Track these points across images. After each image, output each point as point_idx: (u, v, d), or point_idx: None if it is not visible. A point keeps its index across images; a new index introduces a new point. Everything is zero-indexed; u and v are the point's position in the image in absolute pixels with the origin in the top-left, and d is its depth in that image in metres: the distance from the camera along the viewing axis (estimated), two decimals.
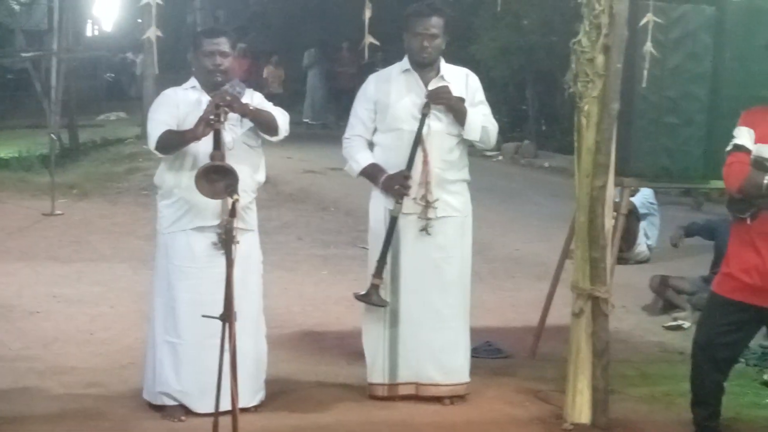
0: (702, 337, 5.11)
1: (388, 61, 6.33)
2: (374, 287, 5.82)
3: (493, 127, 5.96)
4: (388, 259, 5.84)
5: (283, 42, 26.94)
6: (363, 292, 5.86)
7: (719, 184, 5.34)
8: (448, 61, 6.02)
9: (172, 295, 5.56)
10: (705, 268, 8.36)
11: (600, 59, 5.39)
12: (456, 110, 5.80)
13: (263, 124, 5.60)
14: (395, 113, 5.86)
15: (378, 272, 5.82)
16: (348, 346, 6.90)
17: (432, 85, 5.83)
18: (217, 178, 4.85)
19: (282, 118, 5.66)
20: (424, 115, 5.76)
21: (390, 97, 5.88)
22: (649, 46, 5.42)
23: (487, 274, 9.15)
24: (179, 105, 5.58)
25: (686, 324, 7.91)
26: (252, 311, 5.61)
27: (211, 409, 4.70)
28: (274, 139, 5.68)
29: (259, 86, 21.69)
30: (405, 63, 5.94)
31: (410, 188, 5.75)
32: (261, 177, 5.76)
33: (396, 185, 5.76)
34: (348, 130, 6.04)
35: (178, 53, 21.88)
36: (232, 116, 5.45)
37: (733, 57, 6.03)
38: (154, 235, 5.77)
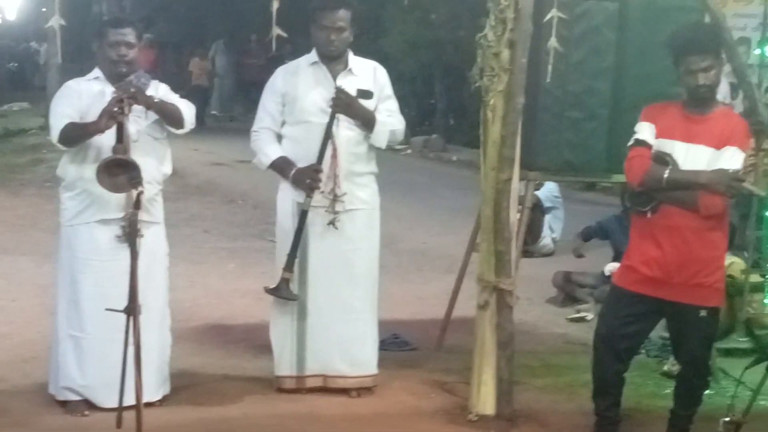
0: (603, 329, 5.18)
1: (296, 54, 6.31)
2: (284, 281, 5.80)
3: (400, 125, 6.00)
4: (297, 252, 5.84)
5: (191, 33, 26.68)
6: (273, 286, 5.85)
7: (621, 177, 5.40)
8: (356, 54, 6.02)
9: (75, 289, 5.47)
10: (607, 262, 8.50)
11: (505, 54, 5.44)
12: (361, 119, 5.82)
13: (168, 116, 5.54)
14: (303, 106, 5.84)
15: (288, 266, 5.80)
16: (255, 339, 6.87)
17: (340, 79, 5.83)
18: (119, 172, 4.80)
19: (188, 110, 5.61)
20: (333, 115, 5.76)
21: (298, 89, 5.87)
22: (553, 42, 5.47)
23: (394, 267, 9.18)
24: (82, 96, 5.48)
25: (589, 316, 8.02)
26: (157, 304, 5.56)
27: (115, 404, 4.65)
28: (179, 131, 5.63)
29: (184, 79, 21.61)
30: (313, 55, 5.93)
31: (321, 182, 5.76)
32: (167, 169, 5.69)
33: (307, 179, 5.75)
34: (256, 122, 6.01)
35: (83, 43, 21.51)
36: (137, 108, 5.37)
37: (635, 53, 6.09)
38: (58, 228, 5.67)
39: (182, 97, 5.71)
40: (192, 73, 22.36)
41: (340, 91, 5.74)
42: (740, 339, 7.19)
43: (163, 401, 5.67)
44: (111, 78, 5.48)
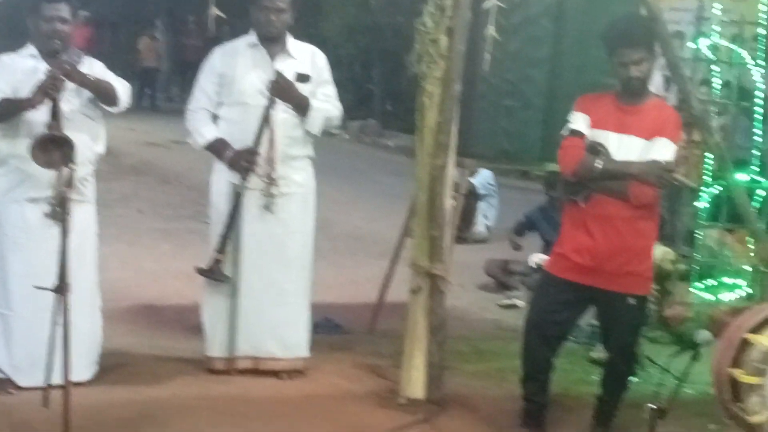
0: (533, 315, 5.22)
1: (234, 35, 6.26)
2: (216, 262, 5.79)
3: (336, 111, 6.00)
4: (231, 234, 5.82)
5: (129, 12, 26.31)
6: (205, 267, 5.83)
7: (555, 166, 5.44)
8: (295, 37, 5.99)
9: (4, 267, 5.42)
10: (538, 250, 8.57)
11: (443, 41, 5.45)
12: (297, 106, 5.81)
13: (103, 94, 5.49)
14: (241, 88, 5.81)
15: (221, 247, 5.79)
16: (187, 321, 6.84)
17: (279, 62, 5.81)
18: (53, 148, 4.74)
19: (122, 89, 5.56)
20: (272, 101, 5.74)
21: (236, 71, 5.84)
22: (491, 30, 5.50)
23: (328, 251, 9.18)
24: (16, 72, 5.40)
25: (520, 303, 8.09)
26: (87, 284, 5.51)
27: (41, 383, 4.60)
28: (114, 109, 5.58)
29: (131, 60, 21.31)
30: (252, 37, 5.90)
31: (257, 165, 5.74)
32: (100, 148, 5.64)
33: (243, 162, 5.73)
34: (192, 102, 5.97)
35: (17, 18, 21.16)
36: (71, 86, 5.32)
37: (572, 43, 6.12)
38: None
39: (130, 78, 5.66)
40: (140, 53, 21.93)
41: (278, 76, 5.72)
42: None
43: (92, 381, 5.62)
44: (44, 54, 5.40)
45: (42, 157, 4.77)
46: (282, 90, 5.74)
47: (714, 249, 7.09)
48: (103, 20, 24.11)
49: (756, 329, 3.54)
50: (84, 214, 5.45)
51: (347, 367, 6.29)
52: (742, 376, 3.47)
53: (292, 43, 5.93)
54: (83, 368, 5.48)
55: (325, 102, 5.93)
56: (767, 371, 3.46)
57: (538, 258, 8.56)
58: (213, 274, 5.82)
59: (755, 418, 3.46)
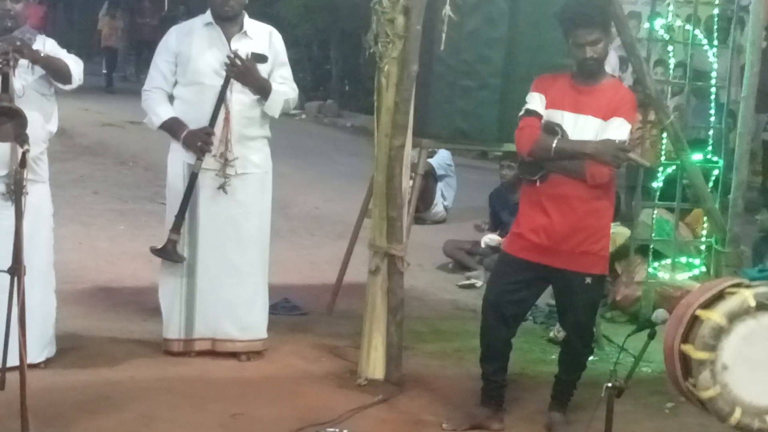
0: (491, 295, 5.23)
1: (190, 14, 6.23)
2: (171, 242, 5.77)
3: (294, 93, 5.99)
4: (187, 215, 5.79)
5: None
6: (159, 247, 5.80)
7: (512, 147, 5.45)
8: (252, 17, 5.96)
9: None
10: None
11: (400, 20, 5.45)
12: (258, 88, 5.80)
13: (55, 71, 5.44)
14: (197, 67, 5.78)
15: (176, 227, 5.76)
16: (144, 303, 6.81)
17: (235, 41, 5.79)
18: (5, 120, 4.68)
19: (75, 66, 5.50)
20: (228, 79, 5.72)
21: (192, 50, 5.80)
22: (447, 9, 5.50)
23: (286, 232, 9.17)
24: None
25: (478, 283, 8.13)
26: (41, 265, 5.47)
27: None
28: (67, 87, 5.53)
29: (91, 39, 21.00)
30: (207, 16, 5.86)
31: (213, 145, 5.72)
32: (53, 127, 5.58)
33: (198, 142, 5.71)
34: (148, 82, 5.95)
35: None
36: (23, 63, 5.26)
37: (528, 23, 6.11)
38: None
39: (90, 57, 5.61)
40: (101, 33, 21.49)
41: (237, 58, 5.69)
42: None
43: (47, 363, 5.60)
44: None
45: None
46: (239, 72, 5.71)
47: (669, 228, 7.14)
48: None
49: (706, 305, 3.57)
50: (38, 194, 5.39)
51: (306, 347, 6.29)
52: (694, 352, 3.51)
53: (248, 22, 5.90)
54: (38, 350, 5.47)
55: (282, 84, 5.91)
56: (718, 347, 3.49)
57: (489, 238, 8.63)
58: (168, 254, 5.79)
59: (706, 394, 3.50)
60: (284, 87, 5.91)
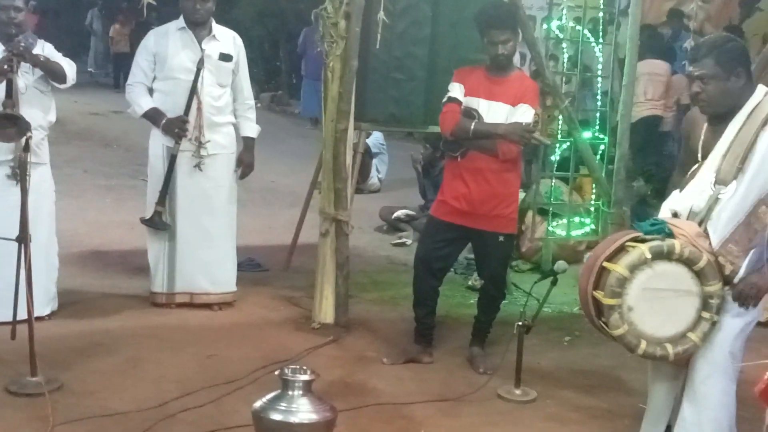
0: (422, 252, 5.24)
1: (161, 20, 6.12)
2: (157, 213, 5.73)
3: (251, 99, 6.04)
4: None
5: (69, 1, 25.44)
6: (147, 217, 5.74)
7: (436, 128, 5.44)
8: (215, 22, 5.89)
9: None
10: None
11: (342, 24, 5.42)
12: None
13: (52, 72, 5.33)
14: (172, 65, 5.72)
15: (161, 200, 5.73)
16: (129, 263, 6.72)
17: (205, 43, 5.73)
18: (8, 125, 4.58)
19: (69, 68, 5.40)
20: (199, 69, 5.67)
21: (168, 50, 5.75)
22: (381, 14, 5.46)
23: (248, 202, 9.08)
24: None
25: (408, 242, 8.14)
26: (44, 233, 5.37)
27: (9, 318, 4.48)
28: (62, 86, 5.42)
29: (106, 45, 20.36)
30: (180, 22, 5.79)
31: (188, 131, 5.65)
32: (52, 117, 5.48)
33: (176, 128, 5.65)
34: (130, 77, 5.87)
35: None
36: (25, 65, 5.16)
37: (447, 25, 6.08)
38: None
39: (78, 57, 5.50)
40: (112, 39, 20.50)
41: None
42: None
43: (51, 316, 5.53)
44: (1, 39, 5.22)
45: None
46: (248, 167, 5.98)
47: (564, 193, 7.19)
48: (47, 8, 23.21)
49: (610, 258, 3.60)
50: (40, 175, 5.28)
51: (268, 298, 6.26)
52: (603, 299, 3.54)
53: (216, 27, 5.84)
54: (43, 305, 5.39)
55: (246, 100, 5.98)
56: (623, 293, 3.53)
57: (401, 213, 8.66)
58: (155, 223, 5.74)
59: (617, 332, 3.55)
60: (250, 113, 6.01)
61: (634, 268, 3.52)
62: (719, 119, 3.67)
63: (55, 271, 5.60)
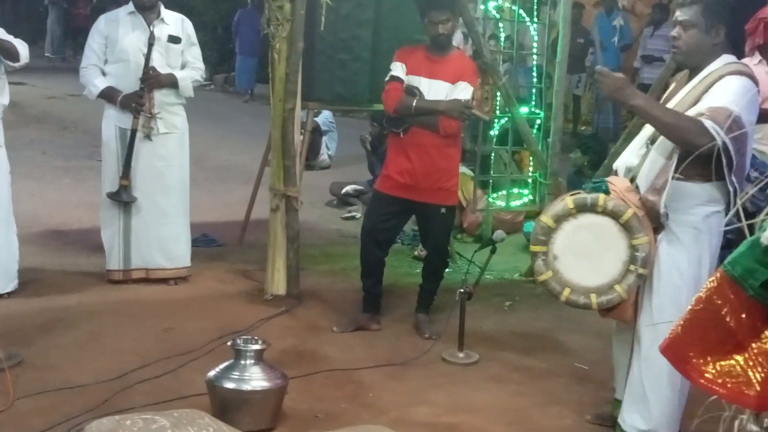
0: (368, 224, 5.23)
1: (118, 4, 6.02)
2: (123, 187, 5.68)
3: (198, 72, 5.85)
4: (120, 168, 5.65)
5: None
6: (114, 191, 5.66)
7: (380, 106, 5.42)
8: (166, 7, 5.82)
9: None
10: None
11: (287, 6, 5.36)
12: (170, 85, 5.67)
13: (5, 51, 5.21)
14: (123, 47, 5.64)
15: (125, 174, 5.66)
16: (88, 242, 6.62)
17: (155, 27, 5.64)
18: None
19: (22, 48, 5.29)
20: (151, 45, 5.59)
21: (118, 33, 5.66)
22: None
23: (203, 180, 8.99)
24: None
25: (357, 215, 8.12)
26: (3, 213, 5.29)
27: None
28: (16, 65, 5.30)
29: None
30: (130, 6, 5.71)
31: (145, 105, 5.58)
32: (5, 100, 5.34)
33: (132, 103, 5.58)
34: (84, 60, 5.78)
35: None
36: None
37: (390, 7, 6.07)
38: None
39: (35, 42, 5.37)
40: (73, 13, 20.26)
41: (150, 69, 5.58)
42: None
43: (11, 294, 5.43)
44: None
45: None
46: (155, 80, 5.61)
47: (503, 166, 7.22)
48: None
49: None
50: None
51: (222, 272, 6.22)
52: (531, 247, 3.59)
53: (165, 11, 5.76)
54: (4, 283, 5.33)
55: (189, 67, 5.78)
56: (549, 242, 3.55)
57: (350, 188, 8.64)
58: (121, 196, 5.68)
59: (541, 278, 3.58)
60: (188, 71, 5.78)
61: (559, 219, 3.53)
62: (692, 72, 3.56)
63: (16, 251, 5.49)
